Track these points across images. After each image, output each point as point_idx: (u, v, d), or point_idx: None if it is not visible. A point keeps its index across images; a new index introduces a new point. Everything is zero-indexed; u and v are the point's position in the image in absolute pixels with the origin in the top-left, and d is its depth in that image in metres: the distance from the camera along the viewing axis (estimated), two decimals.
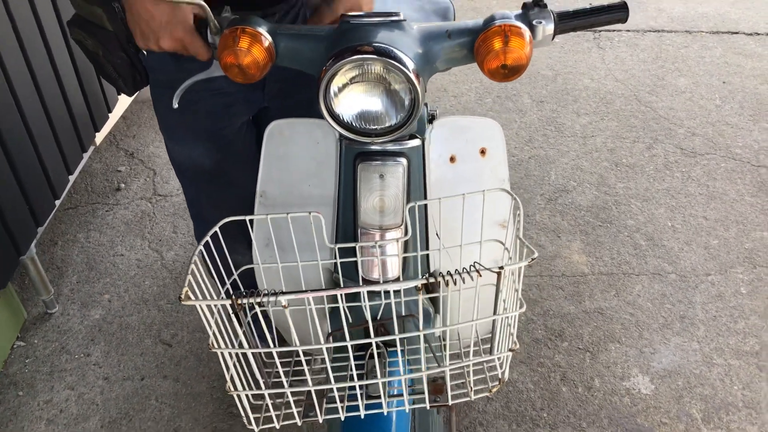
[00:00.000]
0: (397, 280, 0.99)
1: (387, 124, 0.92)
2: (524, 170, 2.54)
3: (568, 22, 0.95)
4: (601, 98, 2.94)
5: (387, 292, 0.98)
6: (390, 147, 0.97)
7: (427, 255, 1.05)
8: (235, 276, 0.95)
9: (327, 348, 0.77)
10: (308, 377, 0.79)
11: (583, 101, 2.93)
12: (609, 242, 2.22)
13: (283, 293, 0.73)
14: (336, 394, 0.82)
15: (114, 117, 2.45)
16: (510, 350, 0.81)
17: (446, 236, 1.05)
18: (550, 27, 0.93)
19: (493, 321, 0.79)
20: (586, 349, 1.88)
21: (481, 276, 0.73)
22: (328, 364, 0.79)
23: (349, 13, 0.91)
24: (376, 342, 0.95)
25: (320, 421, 0.83)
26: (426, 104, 1.79)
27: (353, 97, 0.89)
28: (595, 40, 3.38)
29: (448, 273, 0.72)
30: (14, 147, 1.67)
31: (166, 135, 1.40)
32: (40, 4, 1.82)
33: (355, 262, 0.99)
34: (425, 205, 1.03)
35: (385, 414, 0.86)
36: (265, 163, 1.08)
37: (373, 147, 0.96)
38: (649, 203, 2.37)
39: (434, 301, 1.10)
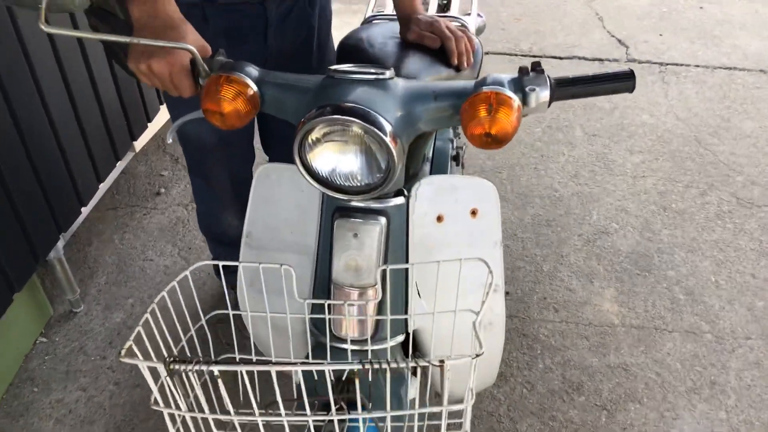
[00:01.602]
0: (364, 341, 0.96)
1: (364, 183, 0.89)
2: (565, 207, 2.44)
3: (566, 89, 0.90)
4: (658, 136, 2.81)
5: (353, 352, 0.95)
6: (371, 204, 0.94)
7: (405, 317, 1.01)
8: (192, 332, 0.94)
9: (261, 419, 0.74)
10: None
11: (639, 138, 2.80)
12: (645, 293, 2.11)
13: (215, 362, 0.71)
14: None
15: (162, 120, 2.51)
16: None
17: (431, 297, 1.01)
18: (545, 94, 0.88)
19: (443, 411, 0.74)
20: (603, 407, 1.79)
21: (418, 366, 0.69)
22: None
23: (334, 67, 0.89)
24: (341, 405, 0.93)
25: None
26: (452, 139, 1.75)
27: (328, 153, 0.87)
28: (661, 73, 3.24)
29: (377, 361, 0.68)
30: (41, 155, 1.72)
31: (175, 111, 1.49)
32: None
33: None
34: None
35: None
36: (252, 205, 1.07)
37: (353, 203, 0.94)
38: (695, 254, 2.24)
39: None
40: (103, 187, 2.15)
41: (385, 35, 1.50)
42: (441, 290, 0.98)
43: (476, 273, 0.99)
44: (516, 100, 0.85)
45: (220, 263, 0.95)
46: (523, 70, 0.90)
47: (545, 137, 2.82)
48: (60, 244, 1.88)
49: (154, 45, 0.92)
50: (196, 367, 0.71)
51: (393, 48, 1.45)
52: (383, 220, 0.94)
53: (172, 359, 0.72)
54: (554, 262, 2.22)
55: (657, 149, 2.73)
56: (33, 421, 1.75)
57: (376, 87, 0.87)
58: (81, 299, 2.07)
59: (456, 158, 1.66)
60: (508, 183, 2.56)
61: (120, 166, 2.20)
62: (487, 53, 3.42)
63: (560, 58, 3.37)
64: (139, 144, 2.30)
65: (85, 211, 2.04)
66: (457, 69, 1.43)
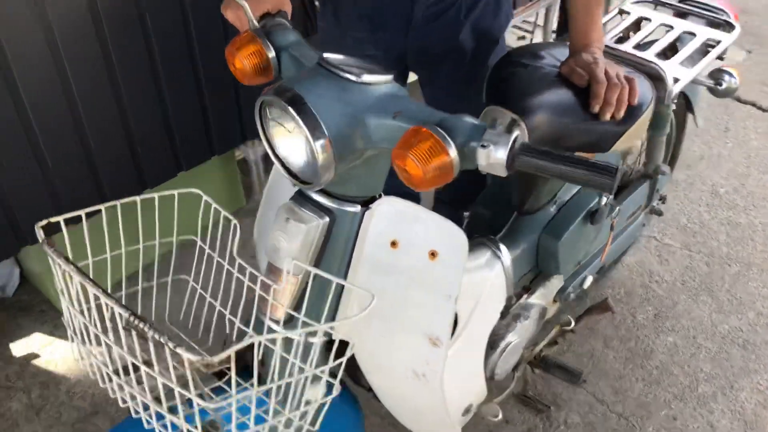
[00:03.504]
0: (271, 320, 0.98)
1: (299, 173, 0.88)
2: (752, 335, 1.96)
3: (530, 159, 0.76)
4: None
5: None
6: (323, 199, 0.92)
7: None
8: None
9: None
10: (132, 375, 0.84)
11: None
12: None
13: (67, 259, 0.81)
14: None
15: None
16: None
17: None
18: (499, 155, 0.76)
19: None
20: None
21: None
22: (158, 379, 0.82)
23: (325, 55, 0.87)
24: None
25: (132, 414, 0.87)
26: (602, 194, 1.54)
27: (276, 131, 0.88)
28: None
29: (138, 320, 0.71)
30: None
31: None
32: None
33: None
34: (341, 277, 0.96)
35: None
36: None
37: (308, 191, 0.93)
38: None
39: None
40: None
41: (548, 59, 1.38)
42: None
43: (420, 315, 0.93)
44: (450, 152, 0.75)
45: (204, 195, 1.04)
46: (494, 122, 0.79)
47: (761, 237, 2.26)
48: (259, 150, 2.17)
49: None
50: (50, 249, 0.81)
51: (542, 73, 1.34)
52: (325, 219, 0.92)
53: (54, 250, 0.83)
54: (717, 388, 1.83)
55: None
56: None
57: (343, 87, 0.83)
58: None
59: (593, 215, 1.46)
60: (731, 280, 2.14)
61: None
62: None
63: None
64: None
65: None
66: (597, 117, 1.26)
